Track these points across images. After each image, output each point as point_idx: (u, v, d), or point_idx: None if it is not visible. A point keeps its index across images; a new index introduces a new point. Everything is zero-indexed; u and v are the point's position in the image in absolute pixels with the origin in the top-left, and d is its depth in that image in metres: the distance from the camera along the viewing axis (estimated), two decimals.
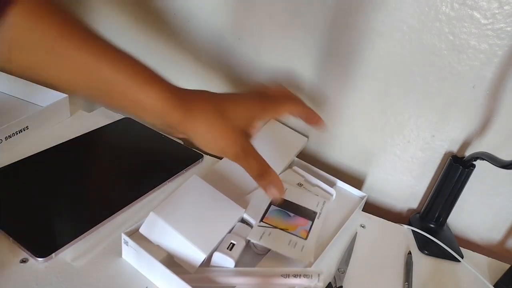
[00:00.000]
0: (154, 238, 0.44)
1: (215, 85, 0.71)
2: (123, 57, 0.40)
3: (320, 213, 0.52)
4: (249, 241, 0.46)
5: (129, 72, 0.40)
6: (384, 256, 0.54)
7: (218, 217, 0.46)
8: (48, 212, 0.48)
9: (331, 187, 0.58)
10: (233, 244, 0.44)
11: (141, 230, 0.45)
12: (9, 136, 0.58)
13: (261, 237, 0.45)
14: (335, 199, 0.57)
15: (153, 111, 0.40)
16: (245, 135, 0.44)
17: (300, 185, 0.56)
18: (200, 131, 0.42)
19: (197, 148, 0.67)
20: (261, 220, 0.48)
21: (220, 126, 0.43)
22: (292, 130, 0.66)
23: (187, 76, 0.74)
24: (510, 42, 0.49)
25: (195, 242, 0.42)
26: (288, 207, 0.51)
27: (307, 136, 0.66)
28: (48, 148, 0.59)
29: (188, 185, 0.49)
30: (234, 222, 0.47)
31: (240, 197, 0.51)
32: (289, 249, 0.45)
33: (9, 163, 0.55)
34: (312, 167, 0.63)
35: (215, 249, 0.43)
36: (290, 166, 0.61)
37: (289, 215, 0.50)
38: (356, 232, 0.56)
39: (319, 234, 0.49)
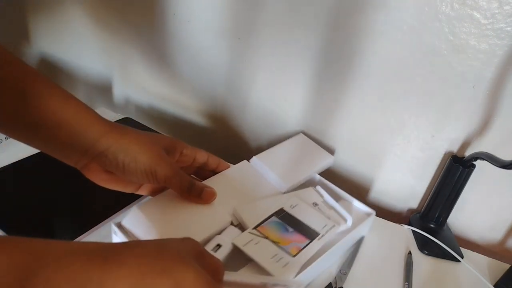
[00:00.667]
0: (136, 231, 0.44)
1: (214, 86, 0.71)
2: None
3: (323, 235, 0.48)
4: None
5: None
6: (384, 256, 0.54)
7: (200, 221, 0.45)
8: (47, 212, 0.48)
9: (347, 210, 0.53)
10: (219, 246, 0.42)
11: (124, 223, 0.45)
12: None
13: (246, 244, 0.44)
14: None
15: (74, 123, 0.38)
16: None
17: (315, 204, 0.52)
18: (128, 144, 0.40)
19: None
20: (255, 228, 0.46)
21: (151, 142, 0.42)
22: (319, 147, 0.61)
23: (186, 77, 0.74)
24: (510, 42, 0.49)
25: None
26: (290, 222, 0.49)
27: (332, 155, 0.60)
28: None
29: None
30: (215, 229, 0.45)
31: (244, 203, 0.50)
32: (270, 262, 0.42)
33: (9, 163, 0.55)
34: (337, 188, 0.57)
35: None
36: (312, 183, 0.57)
37: (287, 230, 0.47)
38: (363, 236, 0.55)
39: (313, 255, 0.46)
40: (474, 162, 0.55)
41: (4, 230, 0.45)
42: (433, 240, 0.57)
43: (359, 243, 0.54)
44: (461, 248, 0.58)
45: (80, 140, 0.39)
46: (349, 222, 0.50)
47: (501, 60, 0.51)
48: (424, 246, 0.56)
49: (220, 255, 0.42)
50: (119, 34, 0.76)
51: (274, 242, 0.45)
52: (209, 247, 0.42)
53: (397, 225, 0.60)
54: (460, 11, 0.50)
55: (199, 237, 0.43)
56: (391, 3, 0.53)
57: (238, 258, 0.43)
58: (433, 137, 0.59)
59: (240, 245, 0.43)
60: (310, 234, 0.47)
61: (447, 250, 0.55)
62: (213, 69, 0.70)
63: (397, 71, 0.57)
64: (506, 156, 0.48)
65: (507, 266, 0.55)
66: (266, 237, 0.45)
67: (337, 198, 0.55)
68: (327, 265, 0.50)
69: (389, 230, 0.59)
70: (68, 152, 0.40)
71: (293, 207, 0.51)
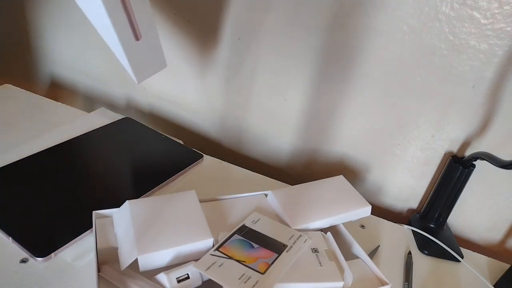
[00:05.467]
0: (116, 225, 0.44)
1: (215, 86, 0.71)
2: None
3: (291, 247, 0.44)
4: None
5: None
6: (384, 256, 0.54)
7: (182, 233, 0.43)
8: (47, 212, 0.48)
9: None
10: (187, 278, 0.40)
11: (114, 215, 0.46)
12: None
13: (208, 268, 0.40)
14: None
15: None
16: None
17: (314, 251, 0.46)
18: None
19: (197, 148, 0.67)
20: (217, 249, 0.43)
21: None
22: (358, 194, 0.54)
23: (186, 76, 0.74)
24: (510, 42, 0.50)
25: (139, 241, 0.40)
26: (254, 238, 0.45)
27: (370, 206, 0.52)
28: (48, 148, 0.59)
29: (180, 195, 0.48)
30: (195, 246, 0.43)
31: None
32: (237, 284, 0.39)
33: (9, 163, 0.55)
34: (359, 248, 0.48)
35: (164, 262, 0.41)
36: (336, 232, 0.51)
37: (253, 247, 0.44)
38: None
39: (285, 269, 0.42)
40: (474, 162, 0.55)
41: (4, 230, 0.45)
42: (433, 240, 0.57)
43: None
44: (461, 248, 0.58)
45: None
46: (349, 280, 0.42)
47: (501, 60, 0.51)
48: (424, 246, 0.56)
49: (182, 287, 0.39)
50: None
51: (239, 261, 0.42)
52: (177, 273, 0.40)
53: (397, 225, 0.60)
54: (460, 11, 0.50)
55: (167, 247, 0.41)
56: (391, 3, 0.53)
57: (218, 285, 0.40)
58: (433, 137, 0.59)
59: (202, 269, 0.40)
60: (277, 247, 0.44)
61: (447, 250, 0.55)
62: (213, 69, 0.70)
63: (397, 71, 0.57)
64: (506, 156, 0.48)
65: (507, 266, 0.55)
66: (230, 257, 0.42)
67: (351, 255, 0.49)
68: None
69: (389, 230, 0.59)
70: None
71: (255, 222, 0.48)
